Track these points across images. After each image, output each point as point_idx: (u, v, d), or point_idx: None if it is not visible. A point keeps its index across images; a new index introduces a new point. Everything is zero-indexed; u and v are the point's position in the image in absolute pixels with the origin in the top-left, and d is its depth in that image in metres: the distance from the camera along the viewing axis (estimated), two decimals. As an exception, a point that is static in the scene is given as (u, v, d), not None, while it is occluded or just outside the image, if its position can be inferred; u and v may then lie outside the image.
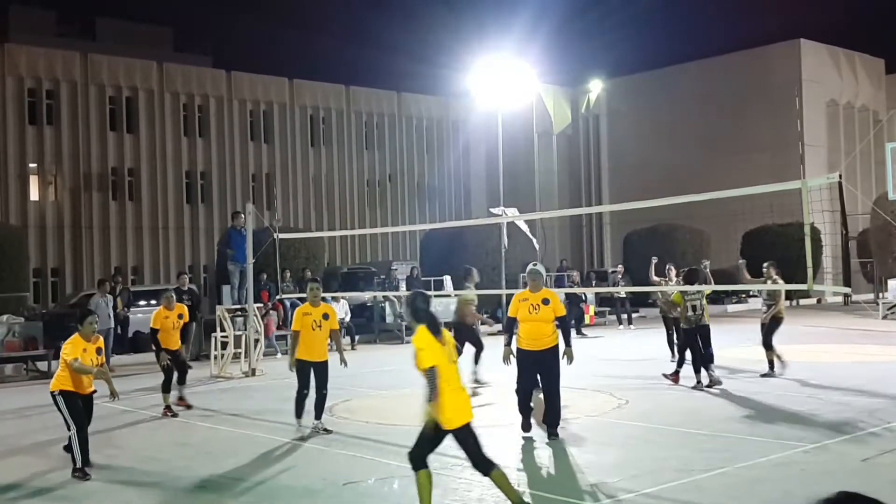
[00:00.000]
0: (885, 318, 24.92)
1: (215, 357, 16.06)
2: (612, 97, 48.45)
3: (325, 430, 9.58)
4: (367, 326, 23.00)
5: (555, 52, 53.88)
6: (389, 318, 23.02)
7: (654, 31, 70.85)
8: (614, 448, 8.57)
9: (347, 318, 21.12)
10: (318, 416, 9.66)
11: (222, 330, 16.23)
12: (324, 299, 11.28)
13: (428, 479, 6.11)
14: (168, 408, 11.47)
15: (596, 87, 47.16)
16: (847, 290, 10.63)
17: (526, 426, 9.21)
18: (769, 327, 13.17)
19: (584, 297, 24.28)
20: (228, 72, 39.78)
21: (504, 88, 26.50)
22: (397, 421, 10.24)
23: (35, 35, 37.44)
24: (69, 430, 8.11)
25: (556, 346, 8.98)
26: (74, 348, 8.15)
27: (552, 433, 8.93)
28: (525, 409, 9.19)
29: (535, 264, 9.61)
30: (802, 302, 33.73)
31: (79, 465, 8.06)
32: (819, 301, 34.27)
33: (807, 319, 26.08)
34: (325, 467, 8.07)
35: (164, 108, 37.53)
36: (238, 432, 10.13)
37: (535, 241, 25.14)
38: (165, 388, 11.59)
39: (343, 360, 9.82)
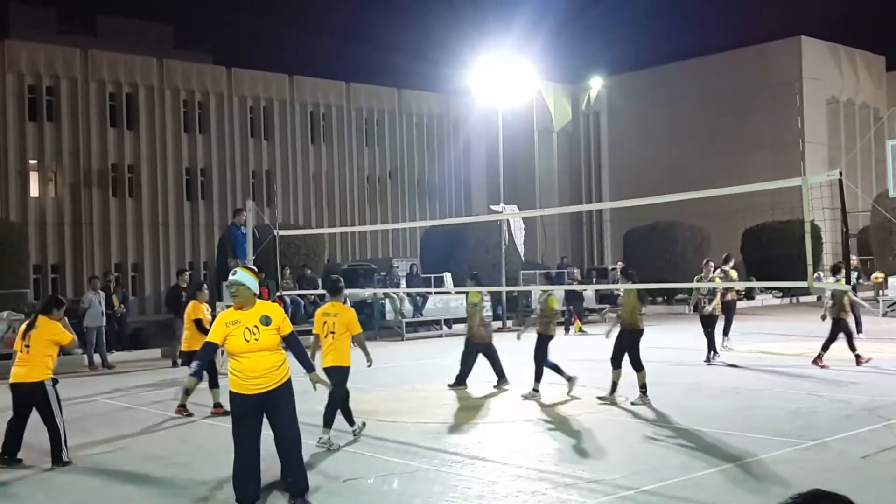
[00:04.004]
0: (885, 315, 24.96)
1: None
2: (613, 94, 48.43)
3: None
4: (367, 323, 22.93)
5: (555, 49, 53.94)
6: (390, 315, 23.03)
7: (655, 28, 70.88)
8: (614, 446, 8.58)
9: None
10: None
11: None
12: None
13: None
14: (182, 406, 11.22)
15: (596, 84, 47.15)
16: (847, 287, 10.61)
17: None
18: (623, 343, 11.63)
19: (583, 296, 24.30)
20: (229, 68, 39.74)
21: (504, 85, 26.50)
22: (397, 418, 10.24)
23: (35, 32, 37.45)
24: (59, 421, 8.33)
25: (289, 382, 6.35)
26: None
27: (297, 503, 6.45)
28: (242, 483, 6.25)
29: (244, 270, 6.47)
30: (803, 299, 33.76)
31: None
32: (819, 298, 34.22)
33: (807, 317, 26.06)
34: (325, 464, 8.07)
35: (165, 105, 37.50)
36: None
37: (520, 245, 25.18)
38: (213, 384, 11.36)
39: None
